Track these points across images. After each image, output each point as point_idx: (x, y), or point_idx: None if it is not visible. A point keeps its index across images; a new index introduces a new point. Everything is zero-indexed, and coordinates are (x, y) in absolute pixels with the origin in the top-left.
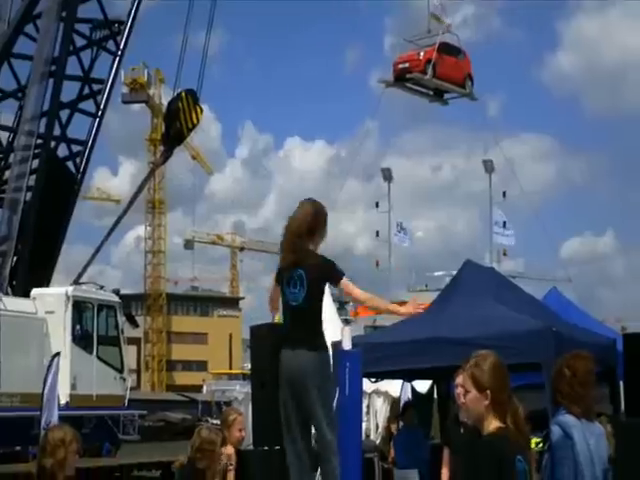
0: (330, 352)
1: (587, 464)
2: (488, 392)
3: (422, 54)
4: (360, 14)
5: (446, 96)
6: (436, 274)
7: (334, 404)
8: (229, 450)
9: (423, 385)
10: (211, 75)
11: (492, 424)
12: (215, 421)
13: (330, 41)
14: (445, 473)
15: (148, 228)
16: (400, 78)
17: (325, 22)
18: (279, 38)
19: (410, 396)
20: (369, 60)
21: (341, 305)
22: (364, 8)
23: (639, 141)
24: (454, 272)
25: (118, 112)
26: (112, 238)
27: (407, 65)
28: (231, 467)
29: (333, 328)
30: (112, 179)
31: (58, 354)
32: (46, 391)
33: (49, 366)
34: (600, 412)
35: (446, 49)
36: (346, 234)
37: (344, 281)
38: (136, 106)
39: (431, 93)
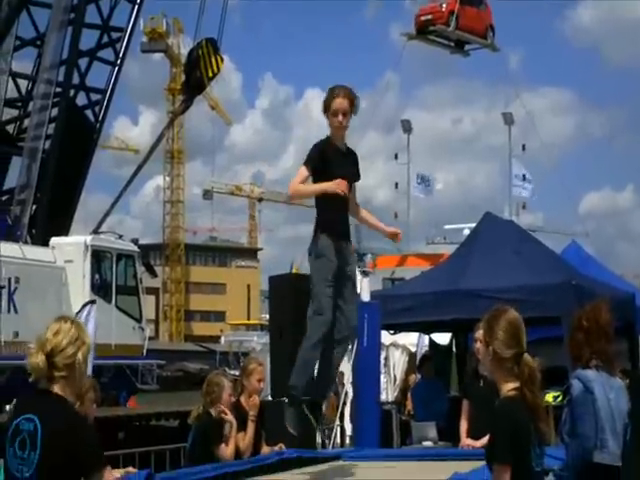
0: None
1: (608, 419)
2: (496, 348)
3: (444, 6)
4: None
5: (467, 47)
6: (455, 227)
7: None
8: (254, 400)
9: (442, 338)
10: (231, 25)
11: (507, 386)
12: (233, 372)
13: None
14: (464, 425)
15: (167, 178)
16: (423, 31)
17: None
18: None
19: (428, 349)
20: (390, 13)
21: (359, 257)
22: None
23: None
24: (473, 225)
25: (139, 61)
26: (131, 188)
27: (430, 17)
28: (253, 418)
29: None
30: (133, 129)
31: (93, 302)
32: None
33: (77, 313)
34: (620, 368)
35: (467, 0)
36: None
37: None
38: (157, 56)
39: (452, 45)
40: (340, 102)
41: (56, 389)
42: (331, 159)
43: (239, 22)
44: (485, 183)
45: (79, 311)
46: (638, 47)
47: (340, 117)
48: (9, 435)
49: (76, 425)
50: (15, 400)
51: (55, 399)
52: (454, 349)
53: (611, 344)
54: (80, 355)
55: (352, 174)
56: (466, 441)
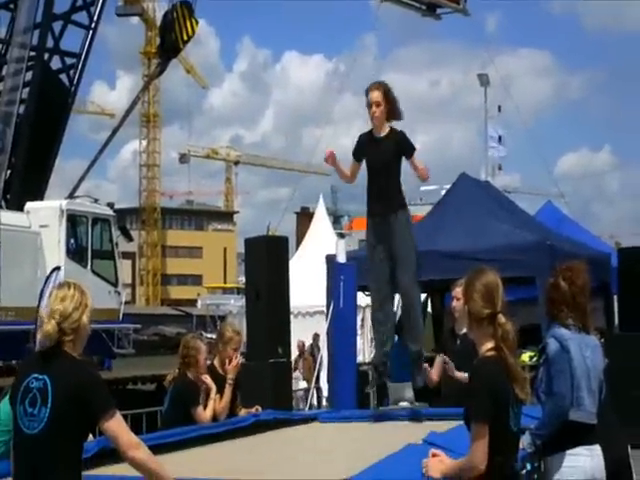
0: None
1: (583, 377)
2: (471, 308)
3: None
4: None
5: (439, 11)
6: (431, 188)
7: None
8: (234, 364)
9: None
10: None
11: (485, 346)
12: (209, 335)
13: None
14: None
15: (143, 142)
16: None
17: None
18: None
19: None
20: None
21: (336, 219)
22: None
23: (638, 57)
24: (448, 186)
25: (117, 25)
26: (109, 152)
27: None
28: (231, 381)
29: (328, 242)
30: (110, 93)
31: (58, 268)
32: (43, 304)
33: (47, 279)
34: (596, 327)
35: None
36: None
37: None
38: (135, 20)
39: (424, 8)
40: (372, 95)
41: (64, 348)
42: (365, 147)
43: None
44: (462, 145)
45: (47, 276)
46: (616, 8)
47: (374, 108)
48: (19, 395)
49: (85, 376)
50: (21, 361)
51: (63, 357)
52: (429, 310)
53: (587, 303)
54: (85, 318)
55: (388, 153)
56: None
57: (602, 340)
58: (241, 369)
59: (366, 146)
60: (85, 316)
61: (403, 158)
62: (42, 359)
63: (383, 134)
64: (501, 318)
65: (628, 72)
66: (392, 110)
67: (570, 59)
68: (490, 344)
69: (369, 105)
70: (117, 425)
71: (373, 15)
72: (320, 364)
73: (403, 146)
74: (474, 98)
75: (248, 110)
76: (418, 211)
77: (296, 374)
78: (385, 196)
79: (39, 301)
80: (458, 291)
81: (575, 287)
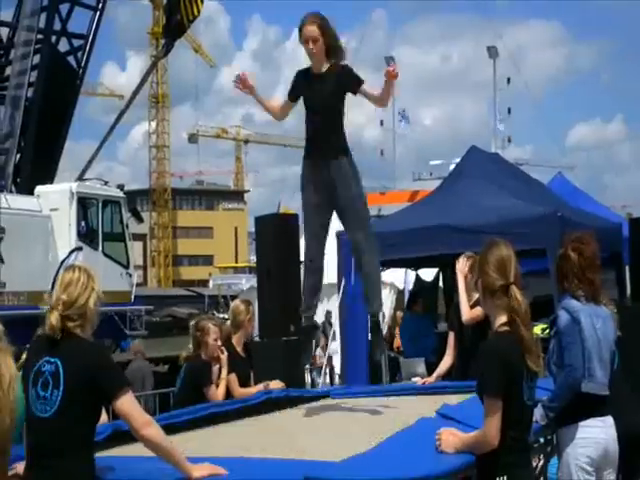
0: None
1: (594, 347)
2: (484, 281)
3: None
4: None
5: None
6: (440, 162)
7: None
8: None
9: (429, 274)
10: None
11: (499, 319)
12: (222, 315)
13: None
14: (446, 362)
15: (152, 123)
16: None
17: None
18: None
19: (412, 285)
20: None
21: None
22: None
23: None
24: (458, 160)
25: (128, 6)
26: (119, 134)
27: None
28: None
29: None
30: (121, 74)
31: (79, 249)
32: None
33: (63, 260)
34: (611, 298)
35: None
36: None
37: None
38: (144, 0)
39: None
40: (307, 30)
41: (74, 331)
42: (302, 85)
43: None
44: (474, 118)
45: (65, 257)
46: None
47: (310, 44)
48: (30, 378)
49: (96, 357)
50: (29, 346)
51: (74, 340)
52: (441, 284)
53: (597, 274)
54: (91, 302)
55: (328, 89)
56: (429, 379)
57: (615, 311)
58: (253, 346)
59: (303, 83)
60: (92, 300)
61: (349, 95)
62: (52, 342)
63: (323, 70)
64: (514, 290)
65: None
66: (332, 47)
67: (580, 29)
68: (504, 317)
69: (306, 40)
70: (129, 404)
71: None
72: (332, 341)
73: (346, 80)
74: (485, 71)
75: (259, 88)
76: (427, 185)
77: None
78: (324, 139)
79: (52, 285)
80: (459, 265)
81: (584, 258)
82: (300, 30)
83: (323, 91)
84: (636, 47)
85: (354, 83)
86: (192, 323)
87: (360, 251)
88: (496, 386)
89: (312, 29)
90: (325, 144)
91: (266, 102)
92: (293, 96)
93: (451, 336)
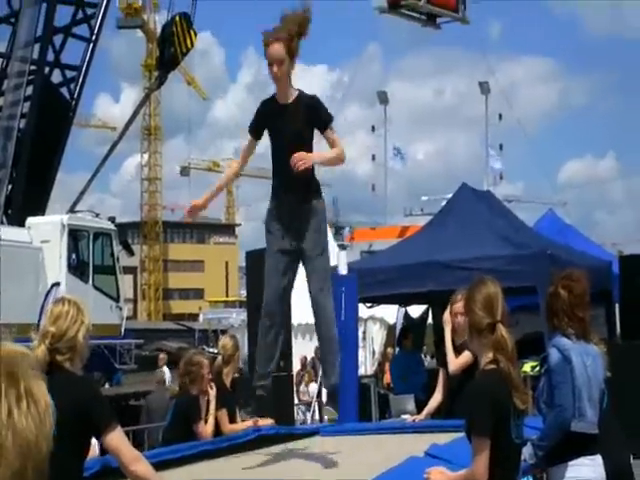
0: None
1: (585, 386)
2: (471, 319)
3: None
4: None
5: (438, 20)
6: (432, 198)
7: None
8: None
9: (416, 310)
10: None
11: (485, 357)
12: (212, 349)
13: None
14: (437, 397)
15: (145, 155)
16: (394, 5)
17: None
18: None
19: (402, 321)
20: None
21: (337, 231)
22: None
23: None
24: (449, 196)
25: (120, 38)
26: (112, 166)
27: None
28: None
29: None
30: (114, 106)
31: (58, 284)
32: (43, 321)
33: (47, 295)
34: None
35: None
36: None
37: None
38: (139, 32)
39: (424, 18)
40: (273, 49)
41: (63, 365)
42: (266, 117)
43: None
44: (466, 154)
45: (48, 291)
46: (618, 11)
47: (274, 68)
48: None
49: (85, 391)
50: None
51: (62, 374)
52: (430, 321)
53: (587, 311)
54: (80, 336)
55: (296, 123)
56: (419, 416)
57: (606, 350)
58: (239, 382)
59: (269, 115)
60: (81, 334)
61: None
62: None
63: (290, 100)
64: (501, 328)
65: (632, 76)
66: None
67: (573, 65)
68: (491, 354)
69: (269, 63)
70: (118, 439)
71: (375, 26)
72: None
73: (315, 114)
74: (477, 107)
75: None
76: (418, 221)
77: (302, 388)
78: (295, 180)
79: (39, 317)
80: (458, 306)
81: (574, 295)
82: (266, 46)
83: (291, 125)
84: (630, 81)
85: (323, 119)
86: (184, 359)
87: (320, 309)
88: (483, 425)
89: (277, 48)
90: (298, 186)
91: (221, 184)
92: (256, 132)
93: (442, 373)
